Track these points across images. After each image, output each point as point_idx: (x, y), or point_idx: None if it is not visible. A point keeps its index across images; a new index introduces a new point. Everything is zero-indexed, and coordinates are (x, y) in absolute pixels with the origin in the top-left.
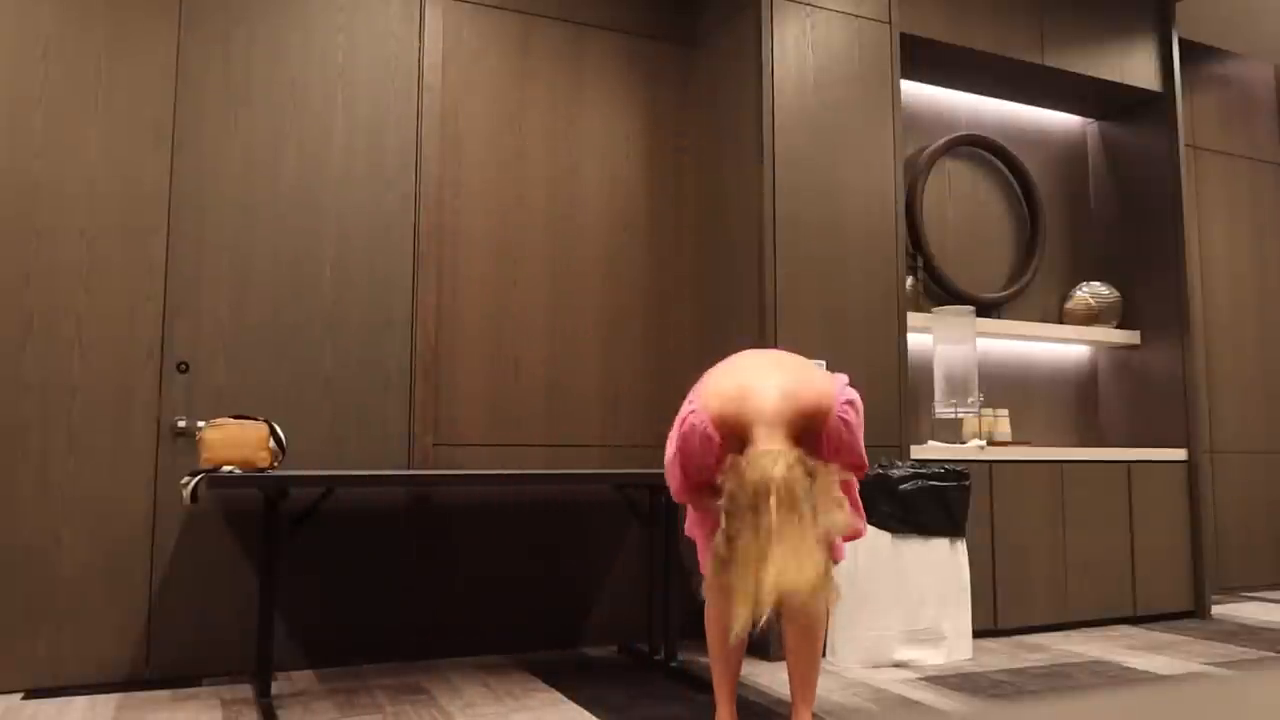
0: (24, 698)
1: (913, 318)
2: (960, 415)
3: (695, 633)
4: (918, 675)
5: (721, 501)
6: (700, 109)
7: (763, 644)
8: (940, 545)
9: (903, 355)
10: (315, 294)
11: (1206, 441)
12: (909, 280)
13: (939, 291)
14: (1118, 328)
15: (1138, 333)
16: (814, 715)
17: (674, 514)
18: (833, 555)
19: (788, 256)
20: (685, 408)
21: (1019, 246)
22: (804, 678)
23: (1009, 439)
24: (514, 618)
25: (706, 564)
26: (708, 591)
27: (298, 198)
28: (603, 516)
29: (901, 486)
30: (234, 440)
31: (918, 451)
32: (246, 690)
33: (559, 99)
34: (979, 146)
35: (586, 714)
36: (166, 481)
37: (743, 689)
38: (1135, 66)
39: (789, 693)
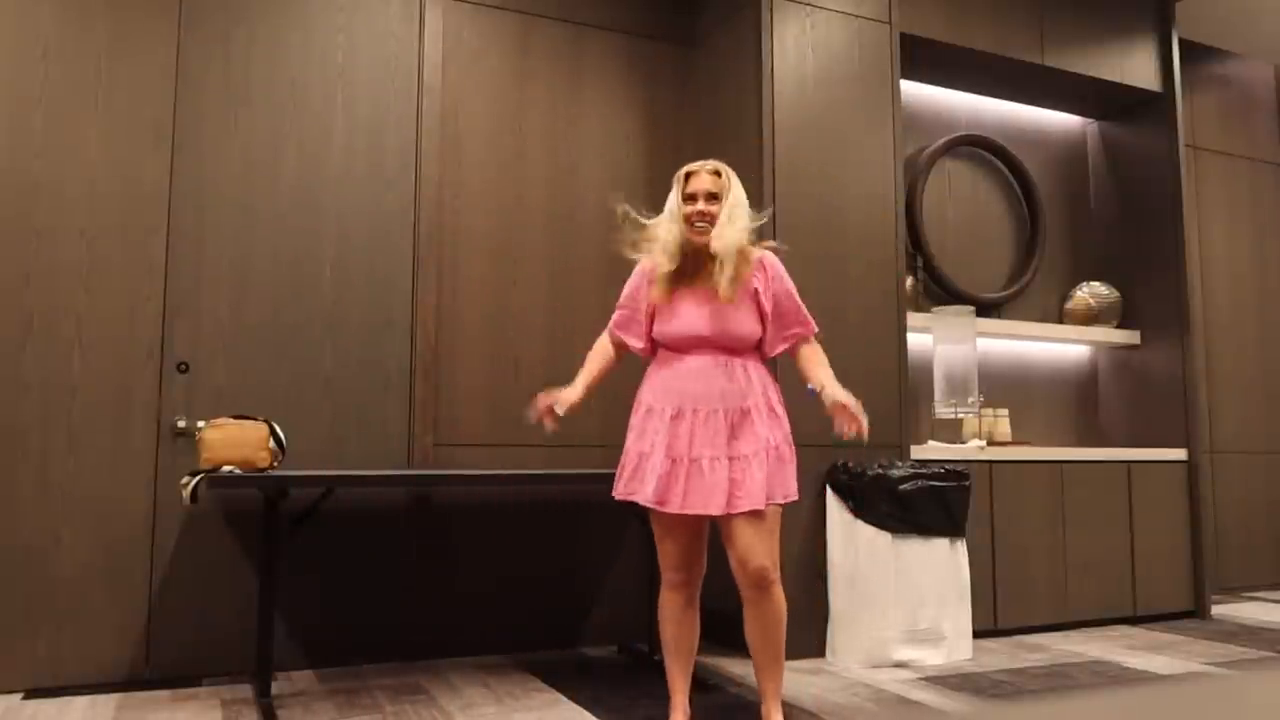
0: (24, 698)
1: (913, 318)
2: (960, 415)
3: None
4: (918, 675)
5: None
6: (700, 109)
7: None
8: (940, 545)
9: (903, 355)
10: (315, 294)
11: (1206, 441)
12: (909, 280)
13: (939, 291)
14: (1118, 328)
15: (1138, 333)
16: (810, 714)
17: None
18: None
19: (787, 256)
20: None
21: (1019, 246)
22: (769, 670)
23: (1009, 439)
24: (514, 618)
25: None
26: (661, 593)
27: (298, 198)
28: (603, 516)
29: (901, 486)
30: (234, 440)
31: (918, 451)
32: (246, 690)
33: (559, 99)
34: (979, 146)
35: (586, 714)
36: (166, 481)
37: (737, 686)
38: (1135, 66)
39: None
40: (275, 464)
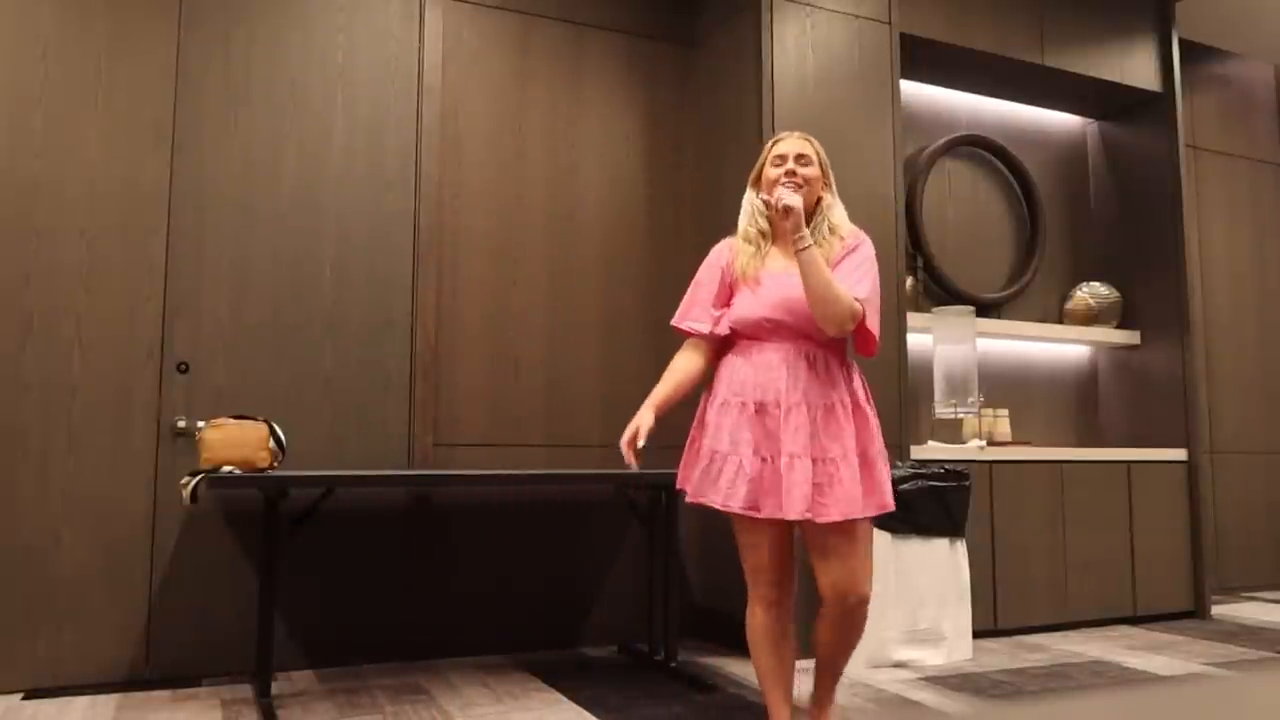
0: (24, 698)
1: (913, 318)
2: (960, 415)
3: (695, 633)
4: (918, 675)
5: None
6: (700, 109)
7: None
8: (940, 545)
9: (903, 355)
10: (315, 294)
11: (1206, 441)
12: (909, 280)
13: (939, 291)
14: (1118, 328)
15: (1138, 333)
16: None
17: (674, 514)
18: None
19: None
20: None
21: (1019, 246)
22: (831, 677)
23: (1009, 439)
24: (514, 618)
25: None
26: (751, 612)
27: (298, 198)
28: (603, 516)
29: (901, 486)
30: (234, 440)
31: (918, 451)
32: (246, 690)
33: (559, 99)
34: (979, 146)
35: (586, 714)
36: (166, 481)
37: (737, 686)
38: (1135, 66)
39: (813, 687)
40: (275, 464)
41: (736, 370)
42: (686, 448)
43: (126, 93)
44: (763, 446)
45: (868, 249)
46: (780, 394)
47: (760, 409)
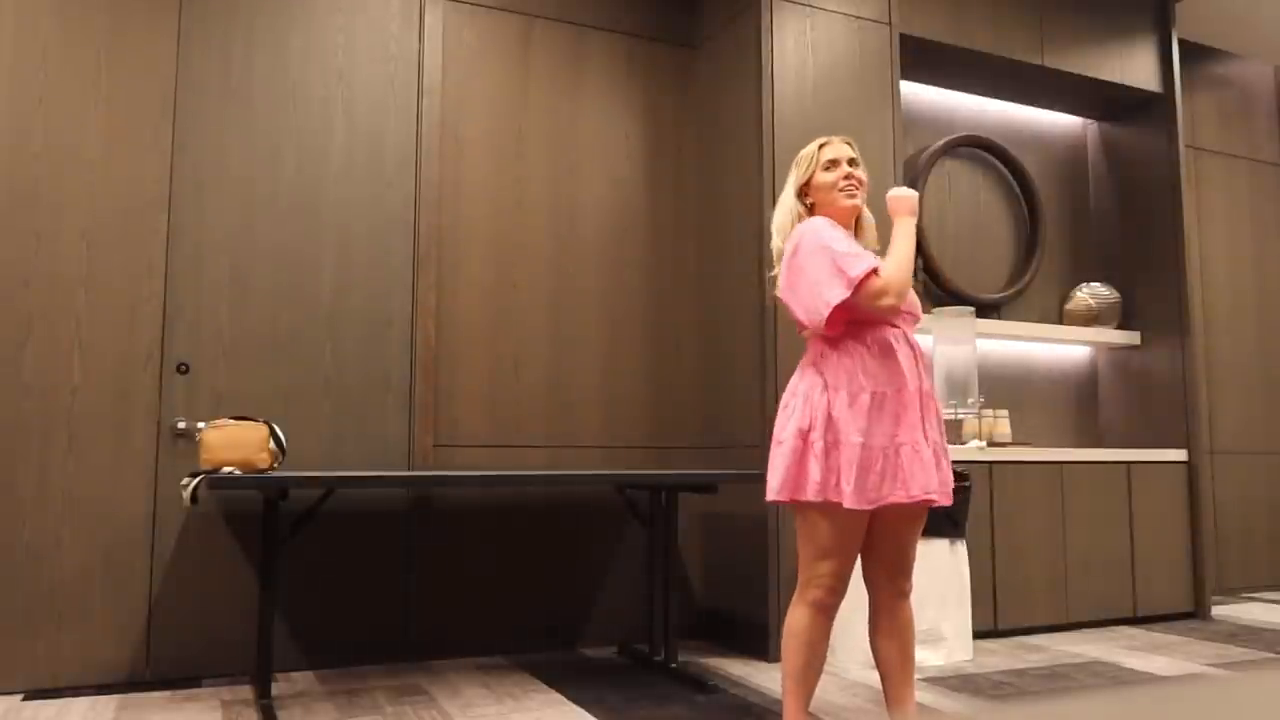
0: (24, 699)
1: None
2: (960, 416)
3: (695, 633)
4: (918, 676)
5: None
6: (700, 110)
7: (763, 645)
8: (940, 546)
9: None
10: (315, 295)
11: (1206, 441)
12: None
13: (939, 292)
14: (1118, 328)
15: (1138, 333)
16: (810, 714)
17: (674, 514)
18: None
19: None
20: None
21: (1019, 247)
22: (910, 683)
23: (1009, 440)
24: (514, 618)
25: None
26: (798, 608)
27: (298, 198)
28: (603, 516)
29: None
30: (234, 441)
31: None
32: (246, 691)
33: (559, 99)
34: (979, 147)
35: (586, 715)
36: (166, 482)
37: (741, 689)
38: (1135, 67)
39: (885, 699)
40: (275, 465)
41: (859, 359)
42: (803, 451)
43: (126, 93)
44: (893, 433)
45: (802, 243)
46: (902, 380)
47: (881, 396)
